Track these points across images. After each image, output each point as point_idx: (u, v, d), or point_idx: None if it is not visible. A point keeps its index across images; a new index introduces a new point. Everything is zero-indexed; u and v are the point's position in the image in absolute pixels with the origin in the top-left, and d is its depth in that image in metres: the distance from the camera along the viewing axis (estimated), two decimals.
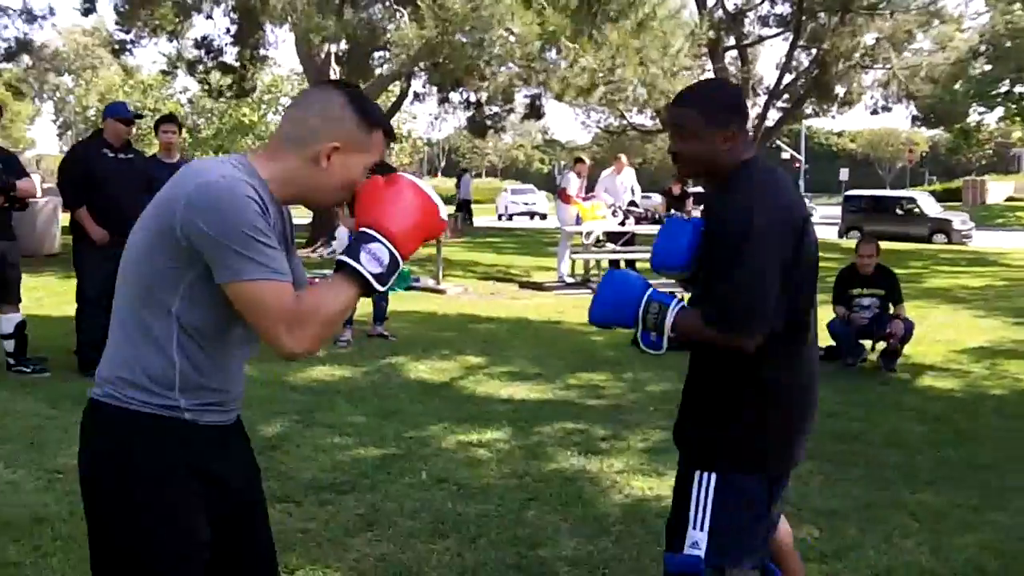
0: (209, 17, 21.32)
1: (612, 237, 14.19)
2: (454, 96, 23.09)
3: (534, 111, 23.42)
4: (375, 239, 2.04)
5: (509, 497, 4.64)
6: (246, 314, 1.99)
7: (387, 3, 15.02)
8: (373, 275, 2.02)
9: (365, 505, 4.51)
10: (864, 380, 7.71)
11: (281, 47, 48.23)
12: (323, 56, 19.04)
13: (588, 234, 13.65)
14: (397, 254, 2.05)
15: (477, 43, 13.06)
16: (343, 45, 20.19)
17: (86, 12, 21.95)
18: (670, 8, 15.34)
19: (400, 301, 11.18)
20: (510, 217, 42.29)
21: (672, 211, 14.53)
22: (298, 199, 2.18)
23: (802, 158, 56.51)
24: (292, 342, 1.98)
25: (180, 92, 53.37)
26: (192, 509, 2.09)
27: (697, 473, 2.62)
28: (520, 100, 23.51)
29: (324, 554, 3.95)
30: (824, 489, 4.88)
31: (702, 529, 2.58)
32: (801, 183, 55.53)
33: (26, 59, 29.05)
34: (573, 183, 14.15)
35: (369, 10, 15.40)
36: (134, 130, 7.71)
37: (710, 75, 25.46)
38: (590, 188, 14.90)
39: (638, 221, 14.03)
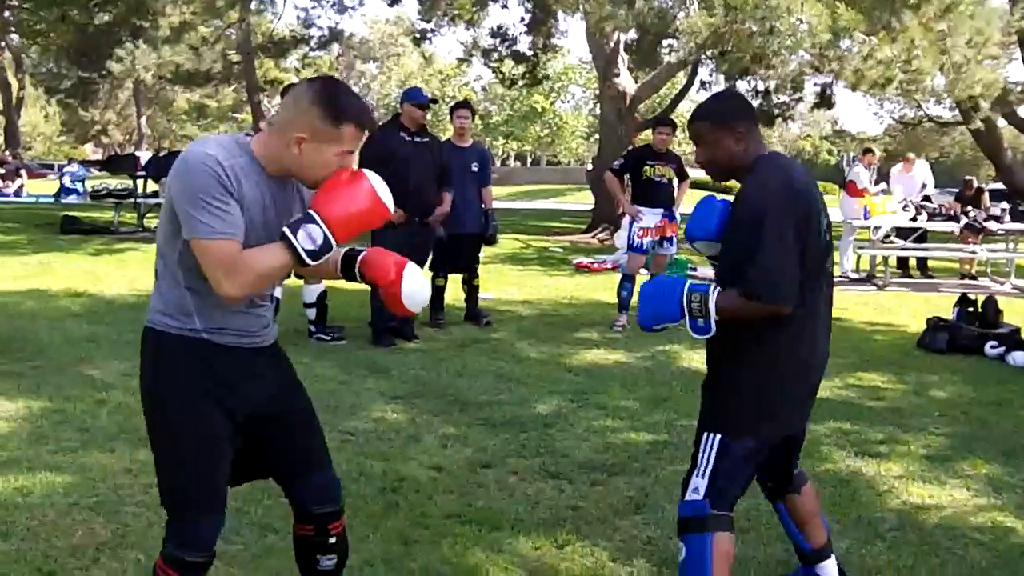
0: (504, 7, 21.98)
1: (901, 233, 13.59)
2: (741, 84, 22.68)
3: (825, 100, 22.62)
4: (314, 221, 2.47)
5: None
6: (202, 264, 2.44)
7: None
8: (305, 250, 2.45)
9: (634, 488, 4.59)
10: None
11: (571, 35, 48.78)
12: (612, 45, 19.22)
13: (876, 229, 13.12)
14: (331, 237, 2.48)
15: (765, 31, 12.78)
16: (632, 34, 20.31)
17: (392, 3, 23.18)
18: None
19: None
20: None
21: (968, 208, 13.73)
22: (287, 175, 2.59)
23: None
24: (229, 287, 2.42)
25: (475, 80, 55.25)
26: (209, 408, 2.60)
27: (705, 434, 3.08)
28: (810, 89, 22.80)
29: (593, 532, 4.06)
30: None
31: (703, 477, 3.06)
32: None
33: (336, 47, 31.01)
34: (862, 175, 13.63)
35: None
36: (430, 115, 8.05)
37: (1019, 64, 23.78)
38: (880, 180, 14.28)
39: (931, 217, 13.34)
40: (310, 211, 2.50)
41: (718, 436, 3.06)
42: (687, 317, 2.99)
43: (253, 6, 25.92)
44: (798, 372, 3.10)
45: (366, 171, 2.55)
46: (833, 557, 3.52)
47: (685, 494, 3.10)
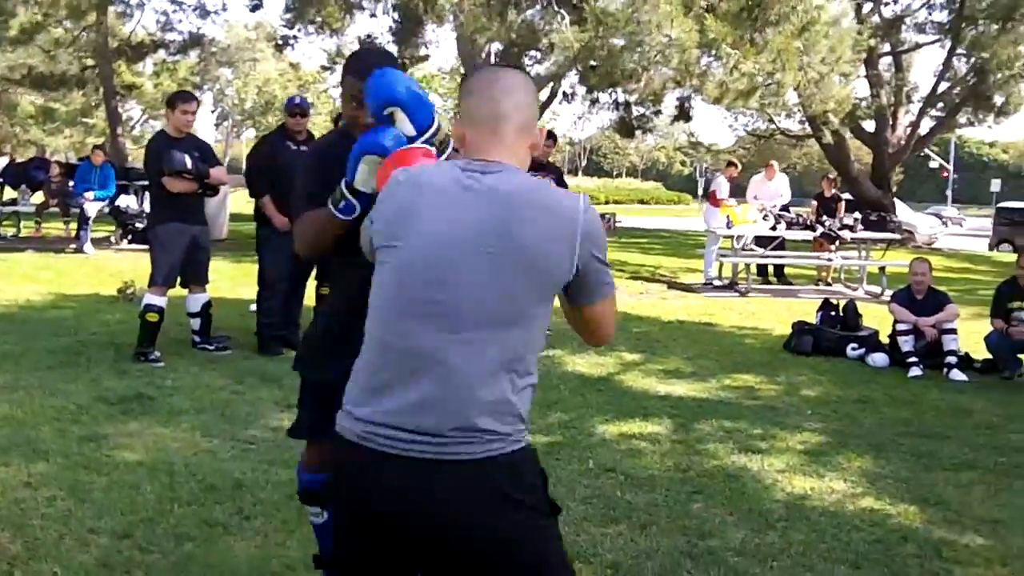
0: (373, 15, 21.96)
1: (761, 241, 14.19)
2: (603, 97, 23.20)
3: (683, 113, 23.36)
4: None
5: (675, 489, 4.81)
6: (600, 323, 2.16)
7: (547, 5, 15.27)
8: None
9: None
10: (1022, 394, 7.66)
11: (441, 45, 49.11)
12: (483, 56, 19.45)
13: (738, 238, 13.66)
14: None
15: (634, 47, 13.19)
16: (497, 45, 20.59)
17: (254, 8, 23.01)
18: (831, 14, 15.15)
19: None
20: None
21: (823, 215, 14.43)
22: None
23: (951, 167, 54.69)
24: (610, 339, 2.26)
25: (334, 87, 54.84)
26: None
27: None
28: (669, 101, 23.49)
29: None
30: (987, 499, 4.90)
31: None
32: (948, 193, 53.80)
33: (194, 52, 30.43)
34: (724, 187, 14.17)
35: (529, 12, 15.67)
36: (308, 123, 7.88)
37: (864, 82, 24.96)
38: (736, 192, 14.86)
39: (789, 226, 13.98)
40: None
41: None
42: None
43: (116, 9, 25.23)
44: None
45: None
46: None
47: None
